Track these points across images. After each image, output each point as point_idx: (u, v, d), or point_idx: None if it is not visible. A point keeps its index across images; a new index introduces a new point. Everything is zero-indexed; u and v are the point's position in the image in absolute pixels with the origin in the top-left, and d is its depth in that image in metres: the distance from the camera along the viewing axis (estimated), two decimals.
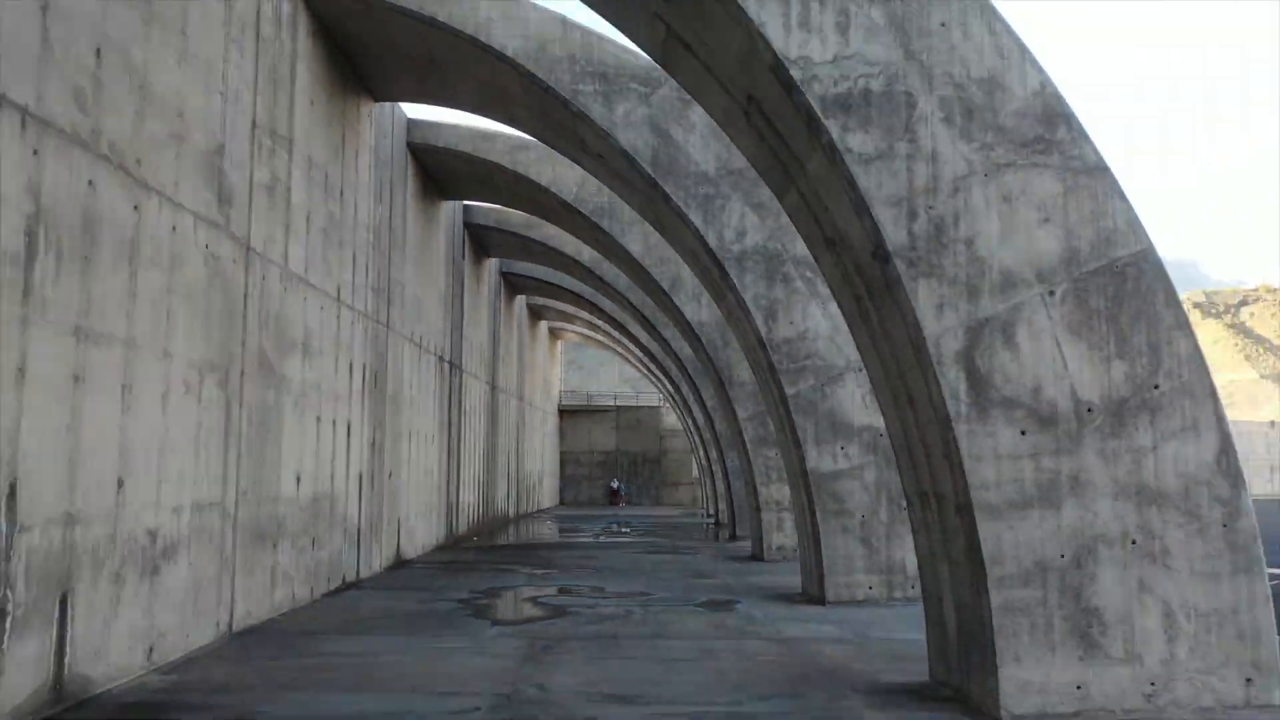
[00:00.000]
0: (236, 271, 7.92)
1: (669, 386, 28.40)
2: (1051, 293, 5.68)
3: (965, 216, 5.69)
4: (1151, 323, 5.68)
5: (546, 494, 34.99)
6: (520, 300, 27.58)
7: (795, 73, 5.66)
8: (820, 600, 9.76)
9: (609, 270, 18.55)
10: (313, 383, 9.92)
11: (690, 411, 26.06)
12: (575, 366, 40.82)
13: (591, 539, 19.60)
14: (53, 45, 5.38)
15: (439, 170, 15.25)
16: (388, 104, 12.82)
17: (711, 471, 26.28)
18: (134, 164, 6.23)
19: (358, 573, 11.69)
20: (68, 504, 5.52)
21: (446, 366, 17.14)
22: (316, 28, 10.05)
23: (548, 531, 22.28)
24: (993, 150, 5.75)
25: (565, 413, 38.10)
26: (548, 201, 14.93)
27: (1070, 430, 5.58)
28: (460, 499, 18.60)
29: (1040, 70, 5.82)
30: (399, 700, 5.74)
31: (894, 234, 5.65)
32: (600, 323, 28.22)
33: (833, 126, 5.66)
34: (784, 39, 5.66)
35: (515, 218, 18.68)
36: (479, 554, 15.89)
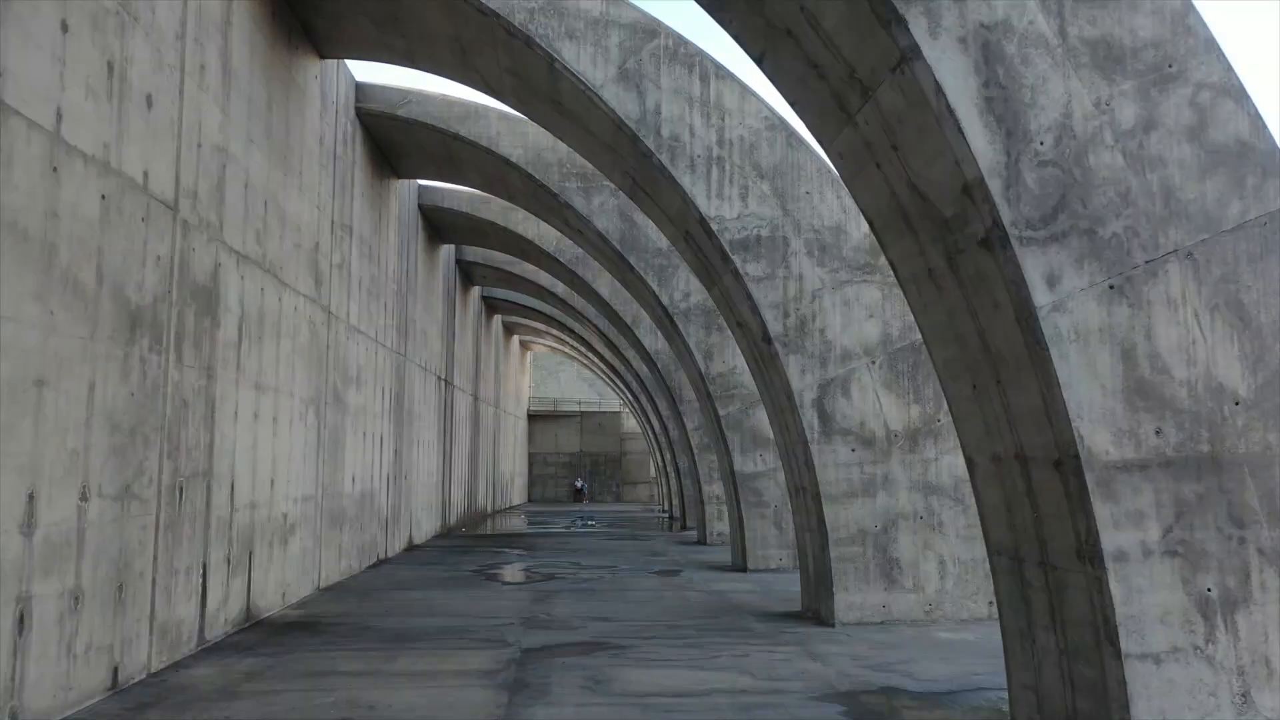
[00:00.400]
0: (323, 330, 11.09)
1: (629, 395, 31.65)
2: (873, 362, 9.05)
3: (819, 315, 9.06)
4: (935, 380, 9.08)
5: (517, 491, 38.14)
6: (497, 319, 30.71)
7: (714, 225, 8.99)
8: (744, 569, 13.12)
9: (579, 301, 21.79)
10: (360, 406, 13.08)
11: (648, 418, 29.36)
12: (545, 374, 43.92)
13: (564, 529, 22.84)
14: (250, 207, 8.56)
15: (442, 225, 18.42)
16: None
17: (666, 471, 29.60)
18: (279, 270, 9.41)
19: (386, 552, 14.85)
20: (252, 496, 8.70)
21: (442, 384, 20.29)
22: (366, 137, 13.23)
23: (524, 524, 25.46)
24: (837, 272, 9.12)
25: (534, 417, 41.28)
26: (531, 250, 18.16)
27: (883, 449, 8.95)
28: (452, 496, 21.77)
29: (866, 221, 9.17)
30: (460, 620, 8.98)
31: (774, 326, 9.00)
32: (567, 339, 31.41)
33: (737, 259, 9.00)
34: (706, 204, 8.99)
35: (500, 256, 21.85)
36: (472, 541, 19.07)
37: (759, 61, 5.66)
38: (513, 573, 13.31)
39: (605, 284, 17.58)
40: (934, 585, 8.85)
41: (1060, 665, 4.61)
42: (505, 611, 9.50)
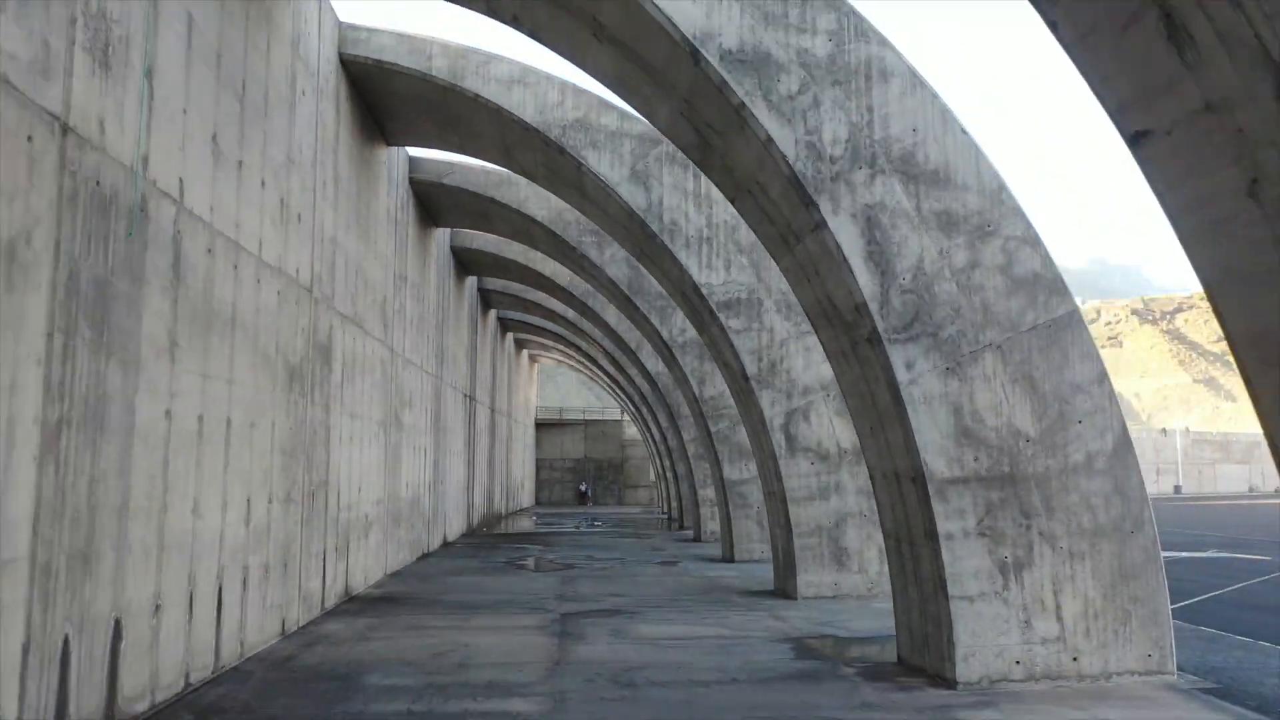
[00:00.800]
0: (389, 366, 13.68)
1: (631, 406, 34.24)
2: (828, 395, 11.65)
3: (786, 358, 11.67)
4: None
5: (526, 495, 40.71)
6: (510, 335, 33.30)
7: (704, 289, 11.60)
8: (731, 559, 15.71)
9: (587, 325, 24.38)
10: (411, 425, 15.68)
11: (648, 427, 31.92)
12: (552, 384, 46.48)
13: (574, 529, 25.43)
14: (347, 277, 11.16)
15: (470, 261, 21.02)
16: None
17: (666, 476, 32.17)
18: (363, 322, 12.01)
19: (428, 548, 17.45)
20: (349, 500, 11.30)
21: (467, 400, 22.88)
22: (416, 201, 15.84)
23: (537, 525, 28.04)
24: (800, 325, 11.72)
25: (541, 425, 43.86)
26: (547, 283, 20.75)
27: (835, 462, 11.54)
28: (475, 499, 24.36)
29: None
30: (506, 595, 11.56)
31: (751, 367, 11.60)
32: (573, 354, 33.99)
33: (722, 316, 11.61)
34: (698, 273, 11.60)
35: (517, 285, 24.44)
36: (495, 539, 21.66)
37: (732, 202, 8.29)
38: (538, 563, 15.89)
39: (612, 314, 20.18)
40: (875, 568, 11.44)
41: (920, 607, 7.21)
42: (540, 590, 12.10)
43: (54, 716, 4.80)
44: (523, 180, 15.59)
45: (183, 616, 6.41)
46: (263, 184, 7.98)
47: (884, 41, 7.19)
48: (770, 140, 6.96)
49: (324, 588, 10.15)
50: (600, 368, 31.15)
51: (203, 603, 6.75)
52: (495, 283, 24.62)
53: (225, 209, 7.08)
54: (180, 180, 6.26)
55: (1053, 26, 4.18)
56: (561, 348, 33.86)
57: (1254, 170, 3.58)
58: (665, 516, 31.86)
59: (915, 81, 7.19)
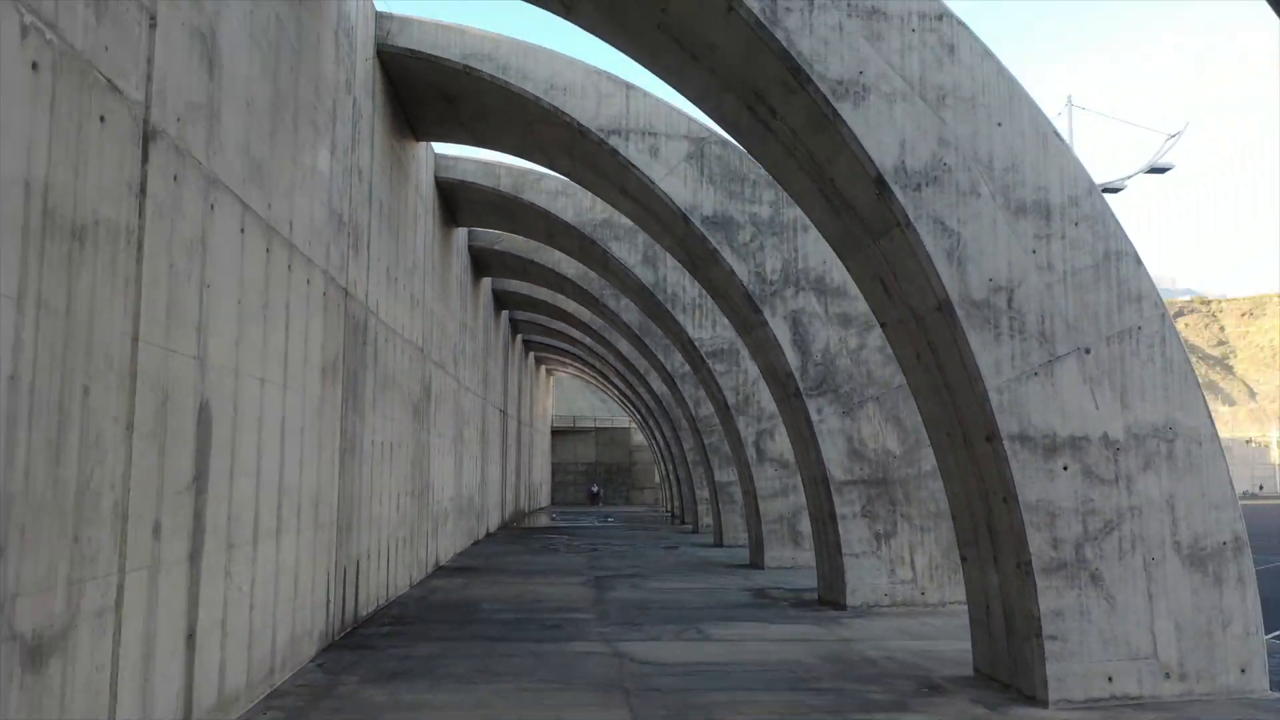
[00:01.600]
0: (457, 394, 17.87)
1: (639, 416, 38.42)
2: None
3: (756, 394, 15.83)
4: None
5: (544, 495, 44.90)
6: (531, 354, 37.52)
7: (697, 342, 15.80)
8: (721, 545, 19.88)
9: (603, 350, 28.56)
10: (468, 438, 19.87)
11: (654, 435, 36.08)
12: (566, 395, 50.68)
13: (590, 524, 29.62)
14: (437, 334, 15.36)
15: (504, 298, 25.22)
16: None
17: (669, 479, 36.33)
18: (446, 365, 16.21)
19: (478, 537, 21.66)
20: (438, 496, 15.50)
21: (501, 414, 27.09)
22: (472, 261, 20.06)
23: (557, 520, 32.24)
24: None
25: (556, 432, 48.05)
26: (571, 319, 24.95)
27: (791, 470, 15.69)
28: (505, 498, 28.58)
29: None
30: (551, 567, 15.74)
31: (730, 399, 15.78)
32: (585, 370, 38.17)
33: (709, 361, 15.81)
34: (692, 330, 15.79)
35: (542, 316, 28.63)
36: (526, 531, 25.85)
37: (713, 298, 12.47)
38: (567, 547, 20.09)
39: (624, 346, 24.37)
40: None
41: (828, 562, 11.39)
42: (574, 564, 16.29)
43: (350, 607, 9.00)
44: (558, 255, 19.79)
45: (379, 564, 10.63)
46: (403, 286, 12.19)
47: None
48: (732, 272, 11.18)
49: (427, 558, 14.37)
50: (611, 382, 35.34)
51: (383, 557, 10.96)
52: (523, 314, 28.81)
53: (390, 310, 11.28)
54: (377, 302, 10.47)
55: None
56: (576, 365, 38.04)
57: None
58: (669, 514, 36.00)
59: None
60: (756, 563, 15.85)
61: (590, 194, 15.41)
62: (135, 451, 4.46)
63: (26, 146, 3.57)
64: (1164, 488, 6.80)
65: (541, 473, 43.83)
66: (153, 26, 4.63)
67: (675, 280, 15.75)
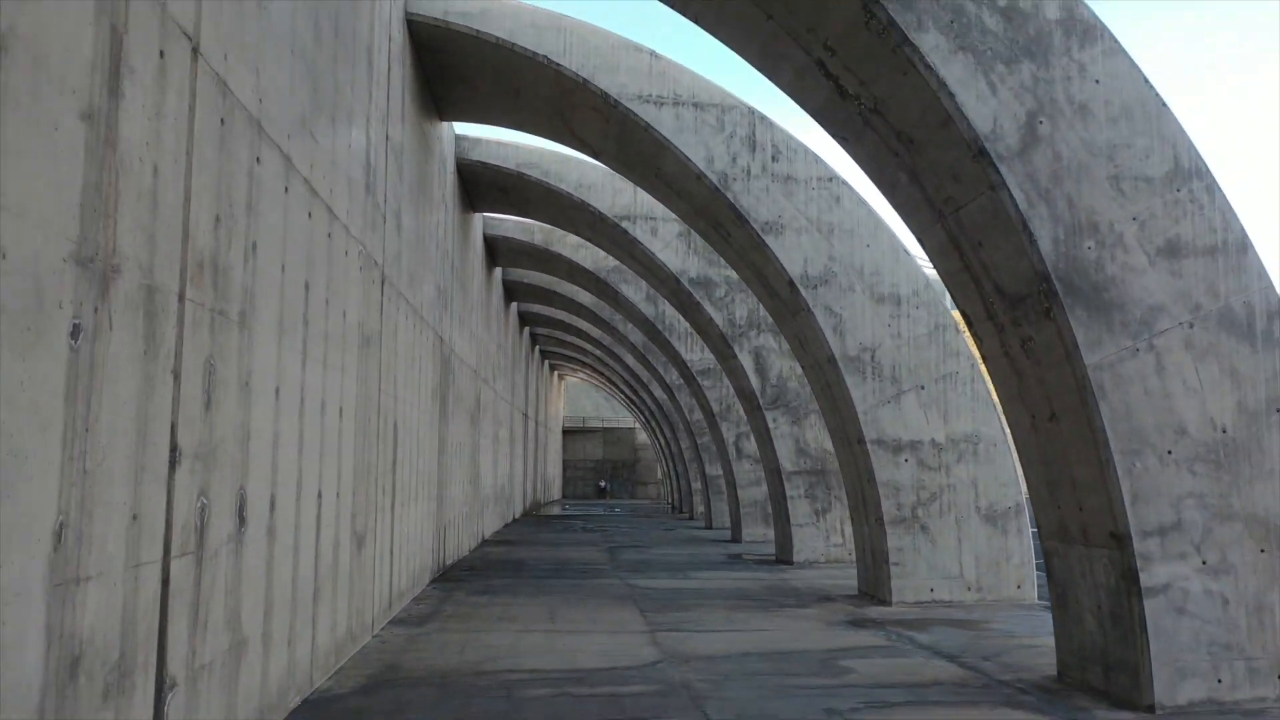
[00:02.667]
0: (495, 402, 21.99)
1: (644, 417, 42.53)
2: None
3: (734, 406, 19.92)
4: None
5: (556, 490, 49.07)
6: (546, 361, 41.66)
7: (688, 363, 19.91)
8: (710, 527, 24.01)
9: (611, 360, 32.66)
10: (503, 438, 24.00)
11: (657, 435, 40.16)
12: (576, 397, 54.83)
13: (600, 514, 33.76)
14: (487, 359, 19.50)
15: (531, 319, 29.36)
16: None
17: (670, 474, 40.41)
18: (489, 380, 20.34)
19: (508, 520, 25.81)
20: (484, 484, 19.64)
21: (524, 417, 31.22)
22: (504, 292, 24.18)
23: (571, 511, 36.36)
24: None
25: (567, 431, 52.20)
26: (585, 314, 29.07)
27: (761, 465, 19.78)
28: (526, 490, 32.74)
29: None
30: (573, 542, 19.87)
31: (716, 409, 19.89)
32: (594, 376, 42.29)
33: (699, 379, 19.92)
34: (686, 354, 19.90)
35: (560, 331, 32.74)
36: (545, 519, 29.98)
37: (700, 337, 16.60)
38: (583, 529, 24.22)
39: (630, 359, 28.47)
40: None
41: (782, 532, 15.50)
42: (591, 539, 20.42)
43: (440, 557, 13.14)
44: (582, 293, 23.91)
45: (454, 530, 14.77)
46: (466, 325, 16.32)
47: None
48: (711, 318, 15.30)
49: (478, 531, 18.51)
50: (617, 387, 39.46)
51: (456, 526, 15.08)
52: (542, 329, 32.94)
53: (460, 346, 15.39)
54: (454, 341, 14.57)
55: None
56: (586, 371, 42.15)
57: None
58: (670, 505, 40.13)
59: None
60: (736, 538, 19.95)
61: (605, 252, 19.51)
62: (378, 448, 8.60)
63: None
64: (970, 473, 10.90)
65: (554, 468, 48.00)
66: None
67: (671, 315, 19.86)
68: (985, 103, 6.07)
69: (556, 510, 36.76)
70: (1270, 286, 6.34)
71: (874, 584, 11.00)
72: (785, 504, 15.22)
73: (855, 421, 10.87)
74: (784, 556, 15.44)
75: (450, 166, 13.91)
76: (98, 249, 3.22)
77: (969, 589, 10.75)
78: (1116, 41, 6.36)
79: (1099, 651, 6.37)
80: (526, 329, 31.80)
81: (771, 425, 15.19)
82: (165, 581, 3.86)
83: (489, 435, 20.62)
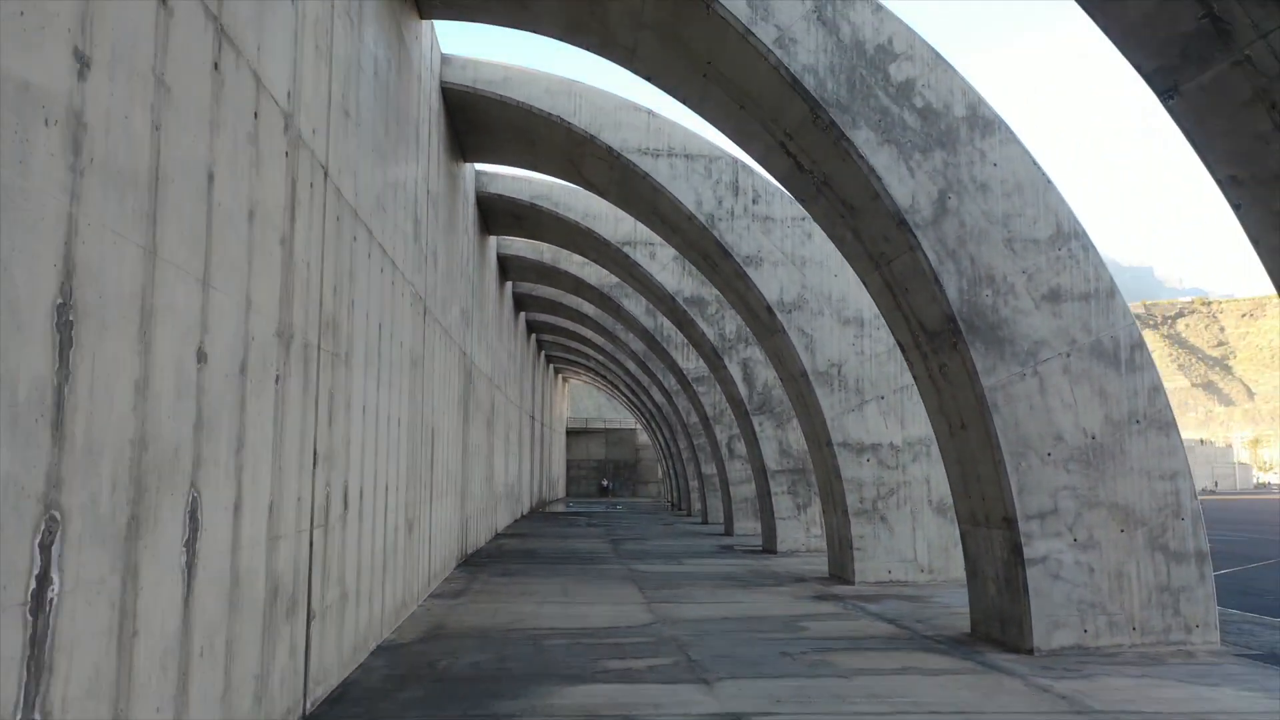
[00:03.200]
0: (507, 408, 23.74)
1: (645, 419, 44.28)
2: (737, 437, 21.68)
3: (726, 411, 21.68)
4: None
5: (560, 488, 50.85)
6: (551, 365, 43.43)
7: (685, 371, 21.66)
8: (705, 522, 25.76)
9: (619, 364, 34.41)
10: (514, 441, 25.75)
11: (656, 435, 41.92)
12: (580, 399, 56.62)
13: (603, 511, 35.53)
14: (499, 368, 21.27)
15: (540, 331, 31.12)
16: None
17: (670, 473, 42.15)
18: (501, 385, 22.10)
19: (517, 516, 27.58)
20: (497, 482, 21.41)
21: (532, 420, 32.99)
22: (514, 303, 25.95)
23: (575, 508, 38.12)
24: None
25: (570, 432, 53.97)
26: (589, 323, 30.83)
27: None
28: (533, 488, 34.52)
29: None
30: (580, 535, 21.64)
31: (710, 413, 21.64)
32: (596, 380, 44.04)
33: (694, 384, 21.67)
34: (681, 362, 21.65)
35: (565, 338, 34.50)
36: (552, 515, 31.75)
37: (694, 348, 18.37)
38: (588, 524, 25.98)
39: (632, 364, 30.22)
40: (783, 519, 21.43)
41: (768, 525, 17.26)
42: (597, 533, 22.19)
43: (464, 546, 14.90)
44: (585, 304, 25.67)
45: (475, 523, 16.53)
46: (483, 338, 18.07)
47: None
48: (703, 334, 17.06)
49: (492, 525, 20.28)
50: (619, 390, 41.23)
51: (475, 519, 16.84)
52: (548, 336, 34.70)
53: (480, 358, 17.15)
54: (475, 355, 16.31)
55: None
56: (589, 374, 43.91)
57: None
58: (669, 503, 41.89)
59: None
60: (728, 531, 21.71)
61: (608, 262, 21.27)
62: (421, 451, 10.35)
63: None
64: (924, 471, 12.64)
65: (559, 467, 49.78)
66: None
67: (669, 327, 21.61)
68: (905, 183, 7.82)
69: (561, 508, 38.54)
70: (1133, 324, 8.09)
71: (840, 567, 12.76)
72: (770, 500, 16.97)
73: (824, 427, 12.62)
74: (769, 546, 17.20)
75: (471, 200, 15.66)
76: (284, 325, 4.98)
77: (922, 571, 12.49)
78: (1011, 131, 8.12)
79: (997, 610, 8.13)
80: (533, 336, 33.56)
81: (758, 429, 16.94)
82: (310, 545, 5.63)
83: (501, 437, 22.37)
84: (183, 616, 3.64)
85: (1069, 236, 8.08)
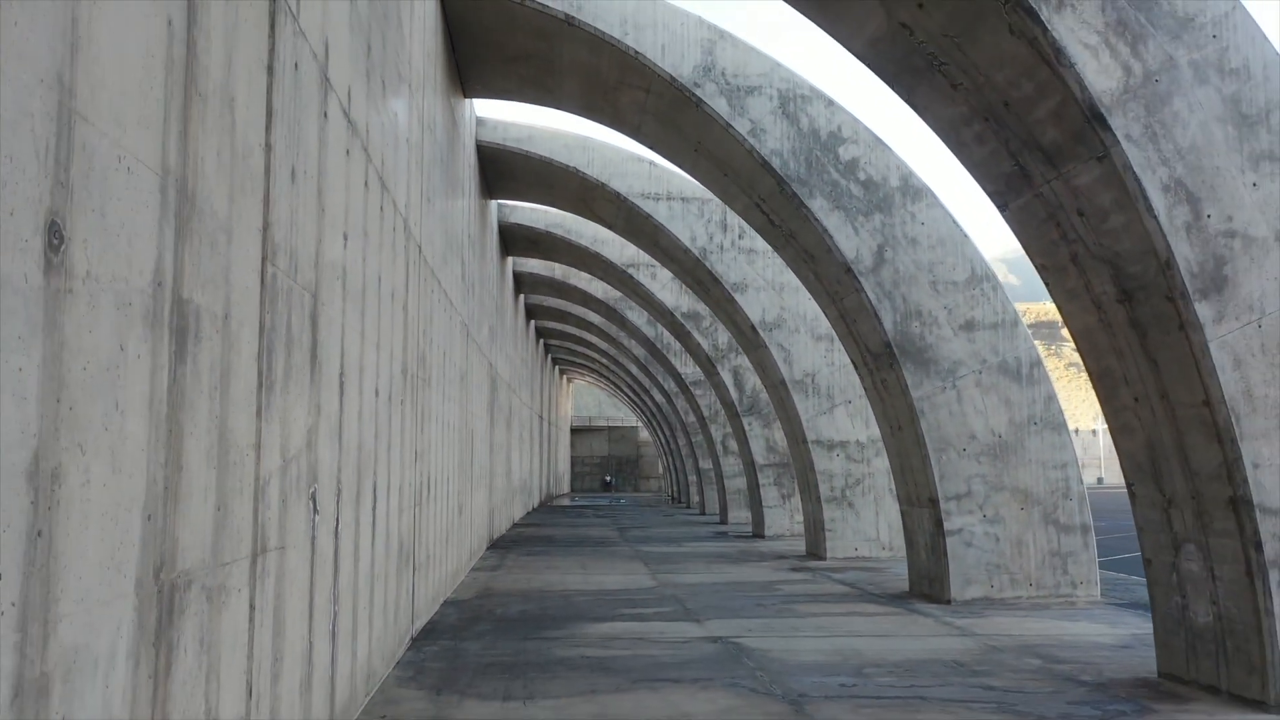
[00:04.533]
0: (519, 410, 25.98)
1: (646, 417, 46.54)
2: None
3: (720, 412, 23.95)
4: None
5: (565, 483, 53.13)
6: (557, 367, 45.67)
7: (683, 376, 23.92)
8: (703, 513, 28.02)
9: (622, 367, 36.66)
10: (524, 438, 27.98)
11: (657, 433, 44.17)
12: (583, 398, 58.88)
13: (607, 504, 37.80)
14: (516, 374, 23.53)
15: (540, 328, 33.35)
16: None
17: (671, 468, 44.41)
18: (517, 389, 24.34)
19: (530, 509, 29.84)
20: (513, 476, 23.66)
21: (540, 420, 35.24)
22: (526, 313, 28.18)
23: (581, 501, 40.40)
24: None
25: (575, 430, 56.25)
26: (593, 330, 33.06)
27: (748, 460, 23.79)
28: (541, 483, 36.80)
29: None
30: (589, 523, 23.90)
31: (706, 413, 23.90)
32: (602, 380, 46.29)
33: (691, 388, 23.93)
34: (680, 368, 23.90)
35: (572, 340, 36.73)
36: (559, 508, 34.03)
37: (691, 357, 20.62)
38: (594, 515, 28.23)
39: (635, 367, 32.48)
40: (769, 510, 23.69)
41: (758, 513, 19.51)
42: (603, 522, 24.44)
43: (491, 531, 17.16)
44: (591, 313, 27.91)
45: (499, 512, 18.78)
46: (505, 351, 20.31)
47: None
48: (699, 344, 19.31)
49: (510, 515, 22.54)
50: (621, 390, 43.50)
51: (499, 509, 19.08)
52: (555, 341, 36.96)
53: (502, 368, 19.38)
54: (499, 366, 18.52)
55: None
56: (592, 375, 46.16)
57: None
58: (670, 497, 44.18)
59: None
60: (723, 520, 23.96)
61: (613, 281, 23.52)
62: (465, 450, 12.60)
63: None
64: (885, 464, 14.87)
65: (564, 464, 52.09)
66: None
67: (668, 336, 23.85)
68: (851, 240, 10.06)
69: (567, 501, 40.83)
70: (1033, 347, 10.34)
71: (816, 546, 15.02)
72: (759, 491, 19.23)
73: (801, 427, 14.88)
74: (758, 531, 19.46)
75: (495, 230, 17.91)
76: (405, 364, 7.24)
77: (883, 548, 14.75)
78: (936, 197, 10.36)
79: (927, 571, 10.38)
80: (541, 341, 35.81)
81: (747, 428, 19.20)
82: (415, 518, 7.89)
83: (516, 436, 24.62)
84: (370, 556, 5.89)
85: (981, 279, 10.33)
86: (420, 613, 8.23)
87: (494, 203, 17.37)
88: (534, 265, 23.39)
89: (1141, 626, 8.46)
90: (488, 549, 16.31)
